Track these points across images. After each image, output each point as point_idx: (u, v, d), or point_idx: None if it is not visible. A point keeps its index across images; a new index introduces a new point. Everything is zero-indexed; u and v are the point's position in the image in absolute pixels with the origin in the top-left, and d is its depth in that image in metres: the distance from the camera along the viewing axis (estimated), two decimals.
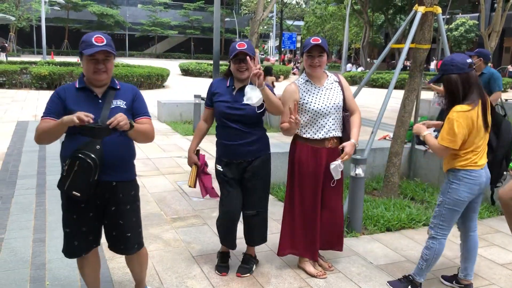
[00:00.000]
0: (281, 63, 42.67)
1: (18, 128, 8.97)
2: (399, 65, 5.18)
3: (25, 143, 7.69)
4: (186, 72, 28.69)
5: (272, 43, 53.23)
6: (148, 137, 2.66)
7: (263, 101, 3.09)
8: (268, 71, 11.80)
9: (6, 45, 39.19)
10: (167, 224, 4.44)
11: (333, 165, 3.26)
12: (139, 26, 57.38)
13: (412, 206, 4.98)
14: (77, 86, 2.55)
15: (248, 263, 3.55)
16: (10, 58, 29.65)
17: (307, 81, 3.35)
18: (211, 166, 3.39)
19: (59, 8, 44.90)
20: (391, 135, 7.39)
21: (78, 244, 2.62)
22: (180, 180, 5.86)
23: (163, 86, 20.19)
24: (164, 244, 3.97)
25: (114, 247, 2.75)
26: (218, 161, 3.37)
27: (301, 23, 53.39)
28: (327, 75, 3.40)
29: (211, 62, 31.64)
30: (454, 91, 2.94)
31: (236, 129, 3.23)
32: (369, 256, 3.85)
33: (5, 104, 12.56)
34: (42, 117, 2.51)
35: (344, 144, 3.27)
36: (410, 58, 5.43)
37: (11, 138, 8.01)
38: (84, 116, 2.29)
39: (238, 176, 3.32)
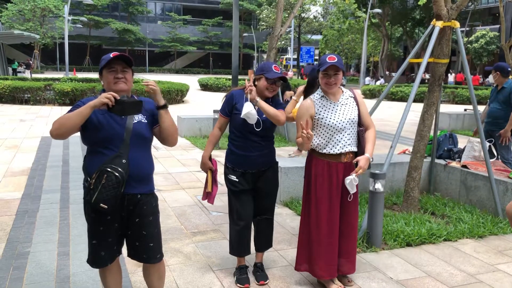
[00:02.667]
0: (300, 77, 42.80)
1: (42, 144, 9.21)
2: (417, 80, 5.19)
3: (50, 158, 7.89)
4: (205, 87, 29.00)
5: (290, 55, 53.46)
6: (175, 130, 2.74)
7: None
8: (286, 87, 11.89)
9: (31, 62, 40.32)
10: (187, 238, 4.49)
11: (348, 179, 3.29)
12: (159, 42, 58.41)
13: (432, 221, 4.94)
14: None
15: (263, 270, 3.69)
16: (34, 75, 30.50)
17: (322, 96, 3.39)
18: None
19: (81, 26, 46.08)
20: (411, 149, 7.37)
21: (104, 254, 2.71)
22: (199, 195, 5.93)
23: (183, 101, 20.46)
24: (184, 258, 4.03)
25: (137, 256, 2.81)
26: (232, 171, 3.48)
27: (319, 37, 53.56)
28: (342, 91, 3.44)
29: (230, 77, 31.72)
30: None
31: (255, 141, 3.42)
32: (389, 271, 3.84)
33: (30, 120, 12.91)
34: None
35: (358, 158, 3.29)
36: (429, 71, 5.43)
37: (36, 153, 8.23)
38: (111, 95, 2.41)
39: (252, 185, 3.49)
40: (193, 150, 9.17)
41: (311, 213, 3.45)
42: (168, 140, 2.75)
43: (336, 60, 3.24)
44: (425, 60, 5.07)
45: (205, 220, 5.01)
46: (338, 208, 3.42)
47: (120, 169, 2.49)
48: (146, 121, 2.70)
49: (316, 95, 3.42)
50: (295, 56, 50.08)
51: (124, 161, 2.54)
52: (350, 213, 3.49)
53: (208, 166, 3.54)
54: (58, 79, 21.46)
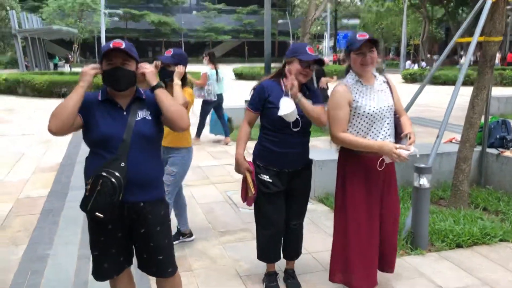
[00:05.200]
0: (334, 63, 41.73)
1: (74, 138, 9.15)
2: (467, 61, 4.65)
3: (80, 152, 7.81)
4: (239, 76, 28.76)
5: (326, 43, 52.35)
6: (179, 113, 2.34)
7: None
8: (320, 72, 11.39)
9: (70, 56, 41.29)
10: (215, 238, 4.20)
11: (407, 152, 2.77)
12: (194, 33, 58.59)
13: (485, 218, 4.43)
14: (100, 99, 2.35)
15: (295, 277, 3.35)
16: (74, 69, 31.14)
17: (357, 81, 2.92)
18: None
19: (118, 19, 46.74)
20: (459, 137, 6.78)
21: (108, 266, 2.43)
22: (230, 190, 5.63)
23: None
24: (210, 261, 3.73)
25: (146, 270, 2.52)
26: (265, 170, 3.07)
27: (356, 21, 52.14)
28: (375, 76, 2.99)
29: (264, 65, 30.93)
30: None
31: (293, 136, 2.99)
32: (438, 278, 3.40)
33: None
34: None
35: (406, 132, 2.89)
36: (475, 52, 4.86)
37: (67, 148, 8.17)
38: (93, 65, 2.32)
39: (286, 186, 3.10)
40: None
41: (348, 216, 3.00)
42: (173, 126, 2.36)
43: (368, 36, 2.80)
44: (474, 39, 4.52)
45: (234, 218, 4.70)
46: (378, 208, 3.01)
47: (117, 174, 2.19)
48: (150, 118, 2.37)
49: (350, 80, 2.94)
50: (332, 43, 49.01)
51: (122, 164, 2.23)
52: (393, 206, 3.10)
53: (245, 166, 3.10)
54: None
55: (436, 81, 23.06)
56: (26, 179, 6.18)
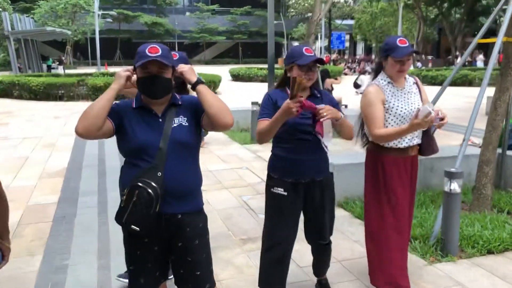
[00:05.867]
0: (328, 64, 41.70)
1: (77, 141, 8.98)
2: (491, 62, 4.57)
3: (85, 157, 7.63)
4: (236, 77, 28.59)
5: (320, 43, 52.33)
6: (223, 108, 2.18)
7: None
8: (325, 73, 11.31)
9: (63, 58, 40.89)
10: (237, 246, 4.07)
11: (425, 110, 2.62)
12: (188, 34, 58.27)
13: (511, 222, 4.34)
14: (134, 106, 2.22)
15: (329, 286, 3.22)
16: (67, 71, 30.80)
17: (389, 83, 2.93)
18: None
19: (111, 21, 46.37)
20: (475, 140, 6.72)
21: (144, 281, 2.28)
22: (245, 195, 5.50)
23: (216, 93, 20.07)
24: (236, 271, 3.60)
25: (182, 285, 2.37)
26: (279, 182, 2.76)
27: (350, 22, 52.19)
28: (406, 77, 2.99)
29: (261, 66, 31.08)
30: None
31: (309, 141, 2.71)
32: (475, 287, 3.30)
33: (64, 117, 12.78)
34: None
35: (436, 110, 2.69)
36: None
37: (71, 152, 8.00)
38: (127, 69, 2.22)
39: (303, 200, 2.80)
40: (232, 145, 8.76)
41: (384, 217, 2.97)
42: (218, 123, 2.17)
43: (408, 44, 2.81)
44: (499, 40, 4.44)
45: (253, 225, 4.57)
46: (410, 206, 3.11)
47: (153, 184, 2.05)
48: (187, 124, 2.23)
49: (382, 81, 2.94)
50: (326, 44, 48.95)
51: (159, 174, 2.09)
52: (412, 209, 3.18)
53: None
54: (90, 74, 21.48)
55: (434, 81, 23.08)
56: (33, 185, 6.01)
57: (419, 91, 3.02)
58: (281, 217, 2.77)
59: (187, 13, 60.62)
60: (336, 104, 2.76)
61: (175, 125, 2.21)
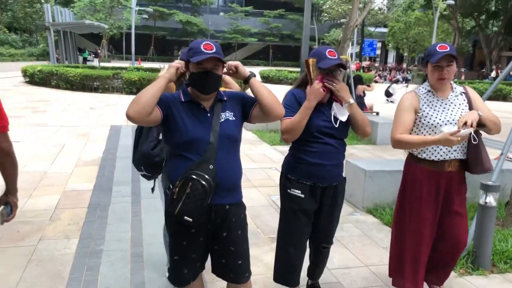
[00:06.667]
0: (357, 71, 41.35)
1: (112, 133, 9.21)
2: None
3: (119, 148, 7.82)
4: (266, 79, 28.64)
5: (351, 49, 51.94)
6: (275, 98, 2.32)
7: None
8: (358, 80, 11.27)
9: (99, 51, 41.82)
10: (266, 244, 4.13)
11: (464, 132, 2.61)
12: (220, 34, 58.71)
13: None
14: (183, 100, 2.30)
15: None
16: (102, 64, 31.48)
17: (429, 91, 2.90)
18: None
19: (147, 17, 47.17)
20: (511, 155, 6.59)
21: (187, 272, 2.37)
22: (273, 195, 5.55)
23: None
24: (265, 268, 3.66)
25: (223, 275, 2.46)
26: (296, 184, 2.80)
27: (384, 29, 51.66)
28: (453, 87, 2.92)
29: (290, 69, 31.07)
30: None
31: (330, 145, 2.75)
32: None
33: (99, 108, 13.11)
34: None
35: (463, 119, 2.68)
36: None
37: (106, 143, 8.21)
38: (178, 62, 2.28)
39: (318, 203, 2.84)
40: (261, 145, 8.82)
41: (405, 226, 3.02)
42: (271, 113, 2.29)
43: (448, 49, 2.72)
44: None
45: None
46: (436, 224, 2.97)
47: (207, 177, 2.13)
48: (234, 119, 2.33)
49: (422, 89, 2.94)
50: (357, 50, 48.59)
51: (211, 167, 2.17)
52: (457, 227, 2.98)
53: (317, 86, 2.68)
54: (125, 68, 21.92)
55: None
56: (70, 172, 6.20)
57: (469, 101, 2.88)
58: (296, 218, 2.83)
59: (221, 13, 61.13)
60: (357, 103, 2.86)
61: (222, 119, 2.29)
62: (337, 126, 2.75)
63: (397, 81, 23.85)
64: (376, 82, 32.90)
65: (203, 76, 2.22)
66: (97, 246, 3.90)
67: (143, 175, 3.06)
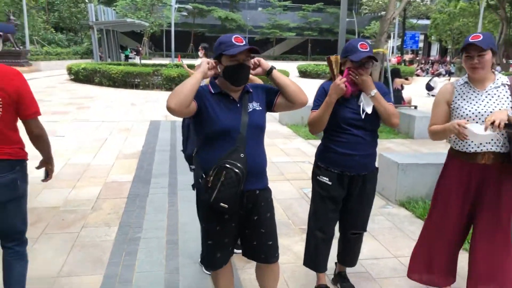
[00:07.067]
0: (399, 64, 40.47)
1: (151, 128, 9.53)
2: None
3: (158, 142, 8.11)
4: (304, 73, 28.62)
5: (392, 43, 50.87)
6: (297, 87, 2.50)
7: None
8: (395, 73, 11.10)
9: (141, 49, 42.92)
10: (297, 235, 4.22)
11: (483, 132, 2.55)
12: (259, 29, 58.97)
13: None
14: (213, 92, 2.42)
15: (349, 280, 3.29)
16: (143, 61, 32.35)
17: (466, 82, 2.83)
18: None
19: (186, 14, 47.98)
20: None
21: (220, 256, 2.52)
22: (305, 187, 5.63)
23: None
24: (295, 257, 3.76)
25: (255, 256, 2.60)
26: (325, 172, 2.93)
27: (426, 21, 50.30)
28: (494, 78, 2.79)
29: None
30: None
31: (359, 137, 2.83)
32: None
33: (140, 104, 13.55)
34: None
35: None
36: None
37: (146, 137, 8.51)
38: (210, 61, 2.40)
39: (346, 191, 2.95)
40: (296, 139, 8.89)
41: (433, 215, 3.04)
42: (296, 100, 2.48)
43: (480, 39, 2.65)
44: None
45: None
46: (464, 216, 2.91)
47: (239, 165, 2.27)
48: (260, 108, 2.48)
49: (460, 81, 2.89)
50: (399, 43, 47.52)
51: (242, 155, 2.31)
52: (491, 228, 2.83)
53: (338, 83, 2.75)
54: (165, 65, 22.45)
55: None
56: (111, 164, 6.51)
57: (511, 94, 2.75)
58: (324, 203, 2.97)
59: (259, 9, 61.35)
60: (386, 94, 2.88)
61: (250, 110, 2.42)
62: (363, 117, 2.81)
63: (439, 75, 23.28)
64: (417, 75, 32.14)
65: (237, 68, 2.34)
66: (135, 234, 4.12)
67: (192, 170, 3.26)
